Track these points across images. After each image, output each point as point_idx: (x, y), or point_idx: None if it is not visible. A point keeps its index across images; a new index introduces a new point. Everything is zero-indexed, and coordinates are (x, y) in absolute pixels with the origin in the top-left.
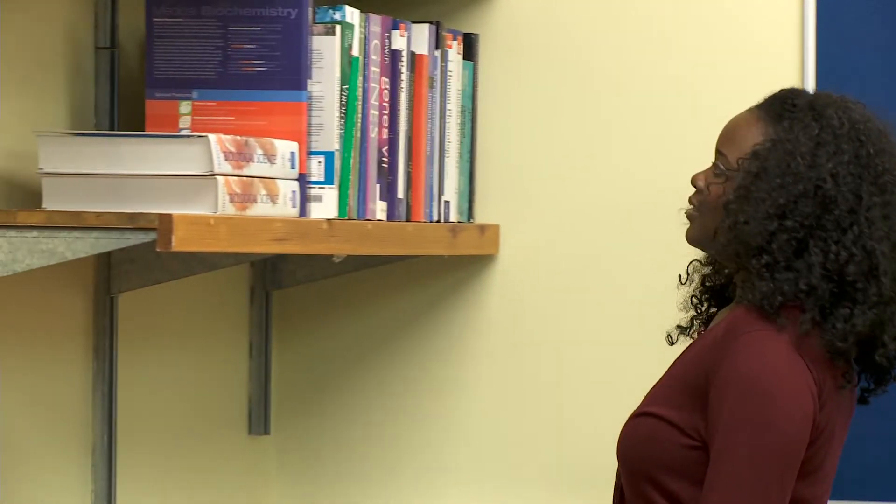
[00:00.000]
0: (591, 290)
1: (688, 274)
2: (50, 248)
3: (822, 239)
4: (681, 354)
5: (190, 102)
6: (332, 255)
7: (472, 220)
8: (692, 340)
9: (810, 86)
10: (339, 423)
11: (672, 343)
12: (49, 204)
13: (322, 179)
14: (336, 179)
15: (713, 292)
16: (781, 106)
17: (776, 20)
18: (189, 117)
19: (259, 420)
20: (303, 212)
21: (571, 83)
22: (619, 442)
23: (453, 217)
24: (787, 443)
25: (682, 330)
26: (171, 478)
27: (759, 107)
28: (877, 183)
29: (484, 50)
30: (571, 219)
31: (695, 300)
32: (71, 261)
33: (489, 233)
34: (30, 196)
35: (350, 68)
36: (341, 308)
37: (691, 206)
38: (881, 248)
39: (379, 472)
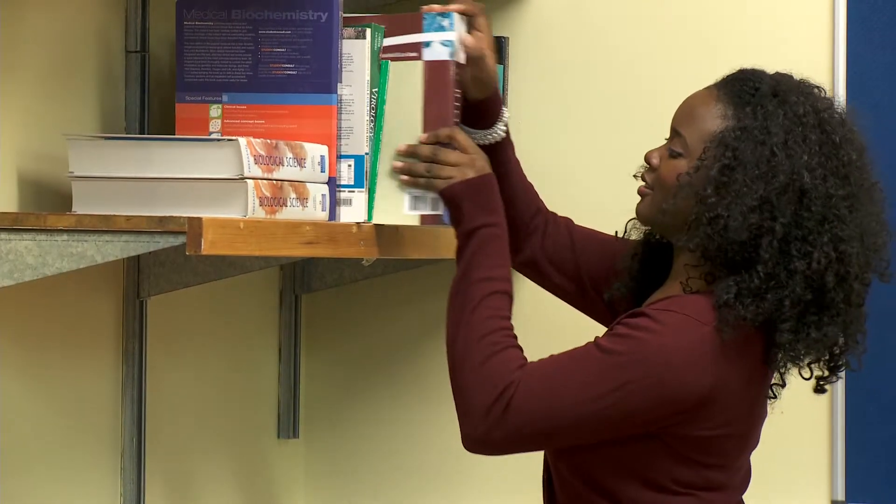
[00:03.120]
0: None
1: (625, 230)
2: (80, 252)
3: (801, 240)
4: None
5: (220, 106)
6: (361, 259)
7: None
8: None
9: (841, 88)
10: (368, 427)
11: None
12: (79, 207)
13: (352, 183)
14: (366, 183)
15: (649, 250)
16: (742, 88)
17: (807, 22)
18: (219, 121)
19: (288, 423)
20: (332, 215)
21: (601, 86)
22: None
23: None
24: (628, 400)
25: (617, 288)
26: (200, 481)
27: (718, 87)
28: (839, 174)
29: (513, 53)
30: (603, 221)
31: (636, 257)
32: (101, 264)
33: None
34: (60, 199)
35: (380, 71)
36: (370, 311)
37: (644, 183)
38: (853, 249)
39: (407, 476)
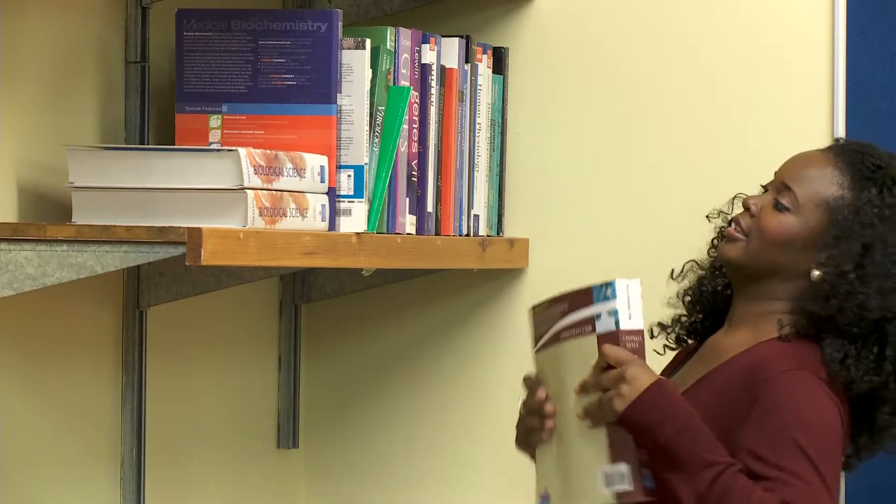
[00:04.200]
0: None
1: (682, 271)
2: (80, 262)
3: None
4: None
5: (220, 116)
6: (361, 269)
7: (501, 234)
8: (677, 352)
9: (841, 96)
10: (368, 437)
11: (652, 337)
12: (79, 218)
13: (351, 193)
14: (365, 193)
15: (705, 296)
16: (862, 163)
17: (807, 31)
18: (219, 131)
19: (288, 433)
20: (332, 225)
21: (601, 96)
22: None
23: (482, 231)
24: (837, 460)
25: (663, 328)
26: (200, 491)
27: (834, 153)
28: None
29: (514, 64)
30: (601, 232)
31: (687, 298)
32: (100, 274)
33: (518, 246)
34: (60, 210)
35: (388, 93)
36: (370, 322)
37: (736, 227)
38: None
39: (407, 486)
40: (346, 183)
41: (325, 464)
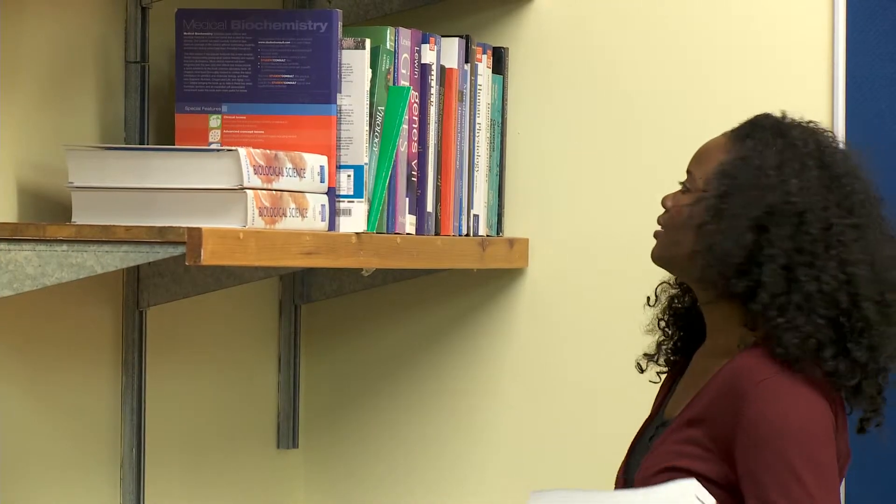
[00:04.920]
0: (619, 303)
1: (656, 296)
2: (79, 262)
3: (807, 265)
4: (681, 407)
5: (219, 116)
6: (360, 269)
7: (500, 234)
8: (666, 374)
9: (841, 97)
10: (368, 437)
11: (642, 371)
12: (78, 218)
13: (351, 193)
14: (365, 193)
15: (679, 315)
16: (748, 127)
17: (807, 31)
18: (219, 131)
19: (287, 434)
20: (332, 225)
21: (601, 96)
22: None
23: (482, 231)
24: (832, 467)
25: (649, 357)
26: (200, 492)
27: (731, 131)
28: (843, 205)
29: (513, 64)
30: (601, 232)
31: (662, 323)
32: (100, 274)
33: (518, 246)
34: (59, 210)
35: (387, 93)
36: (370, 322)
37: (659, 228)
38: (861, 273)
39: (408, 486)
40: (345, 183)
41: (325, 464)
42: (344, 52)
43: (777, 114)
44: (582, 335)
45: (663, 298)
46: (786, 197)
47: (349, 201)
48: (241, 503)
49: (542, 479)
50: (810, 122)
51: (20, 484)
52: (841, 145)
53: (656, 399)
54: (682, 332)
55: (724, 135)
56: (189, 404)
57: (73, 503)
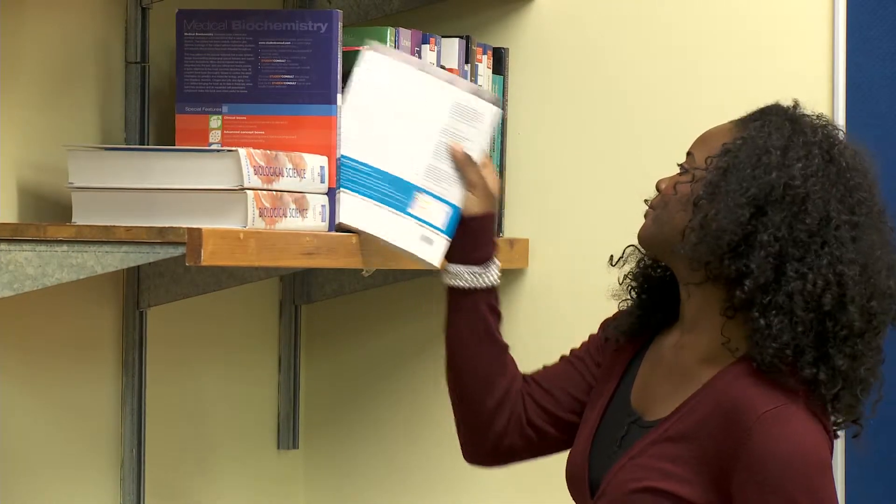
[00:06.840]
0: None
1: (622, 257)
2: (80, 263)
3: (797, 259)
4: (662, 422)
5: (220, 117)
6: (361, 269)
7: (501, 234)
8: (617, 342)
9: (841, 97)
10: (368, 438)
11: (608, 340)
12: (79, 218)
13: None
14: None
15: (653, 286)
16: (758, 113)
17: (807, 31)
18: (219, 132)
19: (288, 434)
20: (332, 226)
21: (601, 97)
22: None
23: None
24: (833, 500)
25: (620, 331)
26: (200, 492)
27: (739, 118)
28: (846, 201)
29: (513, 64)
30: (601, 233)
31: (634, 291)
32: (100, 275)
33: (518, 247)
34: (60, 210)
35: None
36: (370, 322)
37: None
38: (851, 274)
39: (408, 487)
40: None
41: (324, 464)
42: (344, 52)
43: (789, 103)
44: (582, 335)
45: (632, 261)
46: (788, 180)
47: None
48: (241, 503)
49: (542, 478)
50: (819, 115)
51: (20, 484)
52: (852, 143)
53: (607, 374)
54: (653, 306)
55: (731, 121)
56: (189, 404)
57: (74, 502)
